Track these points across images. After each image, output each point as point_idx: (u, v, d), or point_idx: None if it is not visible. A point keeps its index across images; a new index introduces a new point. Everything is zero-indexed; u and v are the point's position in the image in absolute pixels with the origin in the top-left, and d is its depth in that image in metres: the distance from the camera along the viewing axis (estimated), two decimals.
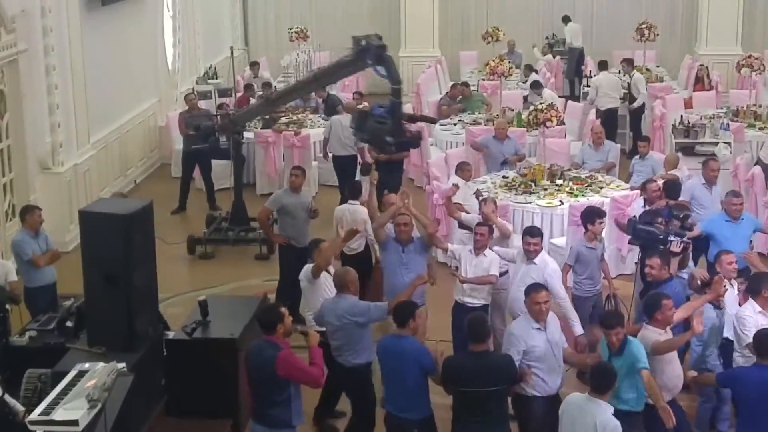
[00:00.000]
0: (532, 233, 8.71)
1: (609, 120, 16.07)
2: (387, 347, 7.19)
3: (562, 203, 11.73)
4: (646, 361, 6.85)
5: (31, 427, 6.27)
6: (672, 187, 10.17)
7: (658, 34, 19.52)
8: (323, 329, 7.83)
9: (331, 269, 8.63)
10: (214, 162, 14.40)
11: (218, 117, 13.36)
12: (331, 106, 15.72)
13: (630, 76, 16.97)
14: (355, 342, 7.73)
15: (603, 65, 17.25)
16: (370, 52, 8.68)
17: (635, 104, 16.72)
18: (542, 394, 7.21)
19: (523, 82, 18.23)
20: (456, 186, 10.66)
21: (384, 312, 7.66)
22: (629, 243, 10.05)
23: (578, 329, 8.47)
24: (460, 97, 16.55)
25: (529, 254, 8.58)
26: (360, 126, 8.90)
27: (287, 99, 13.05)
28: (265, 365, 6.57)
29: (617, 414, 6.43)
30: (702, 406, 8.13)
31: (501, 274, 8.94)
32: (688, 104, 16.75)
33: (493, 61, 17.05)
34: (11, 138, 11.92)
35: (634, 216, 9.84)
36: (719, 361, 7.97)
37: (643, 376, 6.81)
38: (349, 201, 10.82)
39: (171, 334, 8.48)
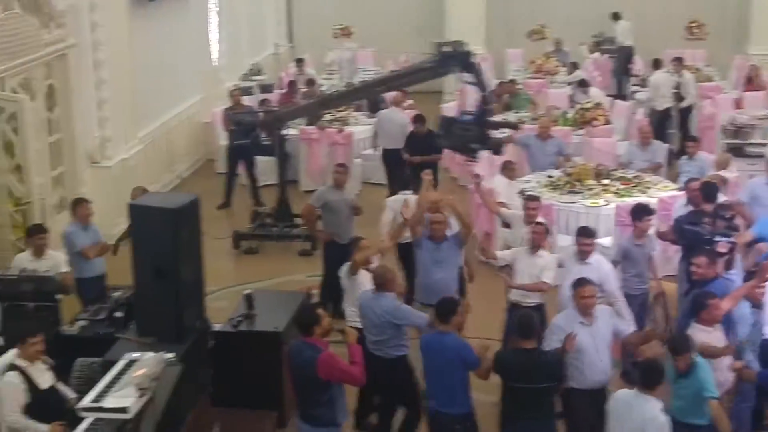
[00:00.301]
0: (587, 233, 8.66)
1: (665, 120, 15.93)
2: (429, 343, 7.20)
3: (608, 203, 11.64)
4: (714, 388, 6.73)
5: (82, 414, 6.37)
6: (709, 190, 9.88)
7: (708, 33, 19.28)
8: (360, 326, 7.82)
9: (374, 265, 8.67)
10: (259, 158, 14.49)
11: (261, 113, 13.44)
12: (375, 103, 15.75)
13: (680, 76, 16.79)
14: (396, 337, 7.75)
15: (658, 64, 17.06)
16: (457, 59, 8.62)
17: (684, 104, 16.54)
18: (580, 387, 7.21)
19: (568, 84, 18.12)
20: (478, 176, 10.43)
21: (424, 322, 7.65)
22: (674, 243, 9.95)
23: (630, 330, 8.38)
24: (506, 95, 16.48)
25: (583, 254, 8.53)
26: (446, 133, 8.92)
27: (347, 100, 13.04)
28: (306, 367, 6.59)
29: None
30: (738, 406, 8.00)
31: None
32: (738, 104, 16.54)
33: (540, 59, 16.98)
34: (61, 132, 12.08)
35: (680, 216, 9.77)
36: (757, 361, 7.85)
37: (712, 407, 6.68)
38: (401, 192, 10.82)
39: (217, 327, 8.56)
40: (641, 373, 6.50)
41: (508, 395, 6.99)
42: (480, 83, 8.56)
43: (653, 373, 6.43)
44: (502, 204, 11.46)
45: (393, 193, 11.44)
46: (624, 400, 6.46)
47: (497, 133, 14.80)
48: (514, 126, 12.23)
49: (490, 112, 8.65)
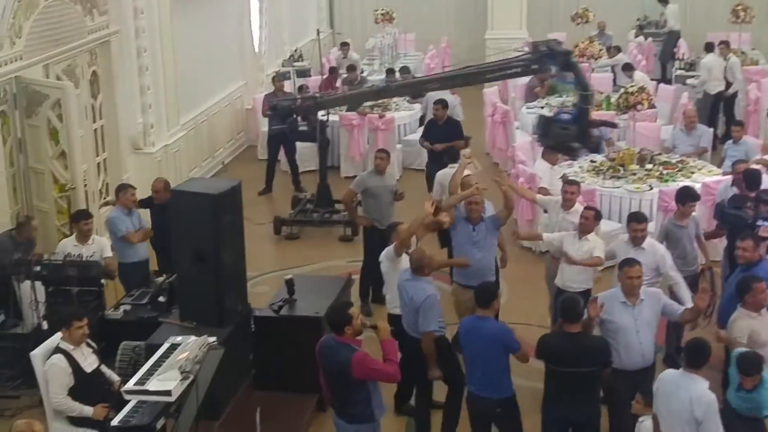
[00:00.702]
0: (638, 219, 8.57)
1: (717, 104, 15.72)
2: (469, 328, 7.18)
3: (652, 188, 11.53)
4: None
5: (126, 397, 6.46)
6: (751, 177, 9.71)
7: (753, 16, 18.96)
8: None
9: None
10: (300, 144, 14.51)
11: (300, 99, 13.42)
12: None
13: (726, 60, 16.52)
14: (430, 319, 7.71)
15: (709, 47, 16.82)
16: (557, 59, 8.51)
17: (731, 90, 16.27)
18: (617, 367, 7.15)
19: (611, 68, 17.92)
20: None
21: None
22: (717, 227, 9.83)
23: (689, 305, 8.28)
24: (553, 79, 16.29)
25: (636, 240, 8.43)
26: (545, 132, 8.84)
27: (411, 90, 12.90)
28: (340, 368, 6.52)
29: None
30: None
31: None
32: None
33: (583, 42, 16.80)
34: (104, 119, 12.19)
35: (722, 200, 9.64)
36: None
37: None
38: (450, 165, 10.98)
39: (258, 311, 8.62)
40: (687, 353, 6.44)
41: (551, 379, 6.96)
42: (581, 82, 8.41)
43: (699, 352, 6.37)
44: (544, 189, 11.42)
45: (444, 165, 11.55)
46: (670, 381, 6.42)
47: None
48: (613, 125, 12.02)
49: (589, 112, 8.49)
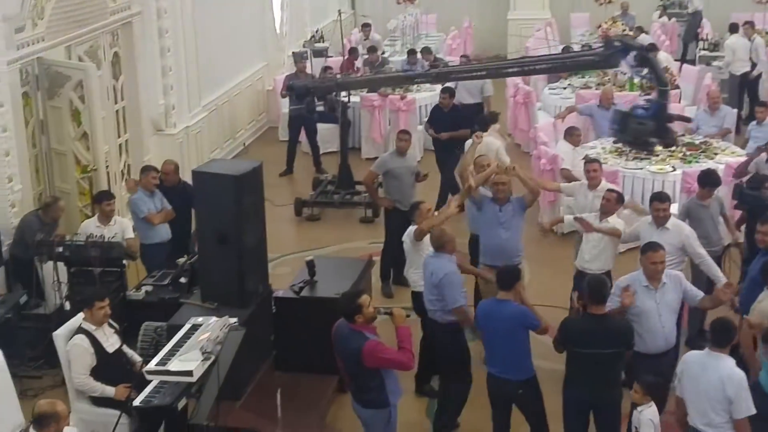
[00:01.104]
0: (661, 198, 8.50)
1: (743, 85, 15.56)
2: (488, 311, 7.15)
3: (675, 169, 11.44)
4: None
5: (147, 377, 6.49)
6: None
7: None
8: (409, 314, 7.71)
9: None
10: (321, 126, 14.49)
11: (319, 79, 13.39)
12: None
13: (751, 40, 16.32)
14: (455, 294, 7.67)
15: (734, 28, 16.62)
16: (634, 55, 8.38)
17: (755, 71, 16.09)
18: (639, 350, 7.12)
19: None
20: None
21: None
22: (735, 208, 9.75)
23: (722, 281, 8.15)
24: (620, 75, 16.05)
25: (659, 220, 8.37)
26: (622, 127, 8.75)
27: (458, 78, 12.76)
28: (353, 356, 6.52)
29: None
30: None
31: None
32: None
33: (606, 23, 16.66)
34: (126, 100, 12.22)
35: (741, 181, 9.54)
36: None
37: None
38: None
39: (279, 293, 8.63)
40: (713, 333, 6.38)
41: (573, 361, 6.92)
42: (658, 78, 8.29)
43: (725, 331, 6.33)
44: (566, 170, 11.36)
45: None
46: (696, 362, 6.37)
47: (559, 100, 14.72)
48: (687, 119, 11.90)
49: (666, 107, 8.39)
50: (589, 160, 9.83)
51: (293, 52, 16.46)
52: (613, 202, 8.72)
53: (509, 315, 6.98)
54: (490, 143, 11.50)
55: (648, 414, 6.49)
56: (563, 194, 10.59)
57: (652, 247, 7.33)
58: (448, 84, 13.20)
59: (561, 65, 10.13)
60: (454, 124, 12.39)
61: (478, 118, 13.65)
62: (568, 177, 11.40)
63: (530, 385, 7.12)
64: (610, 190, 8.98)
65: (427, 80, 12.45)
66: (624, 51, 8.32)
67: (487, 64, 11.35)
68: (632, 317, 7.14)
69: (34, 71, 10.31)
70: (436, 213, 8.83)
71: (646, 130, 8.29)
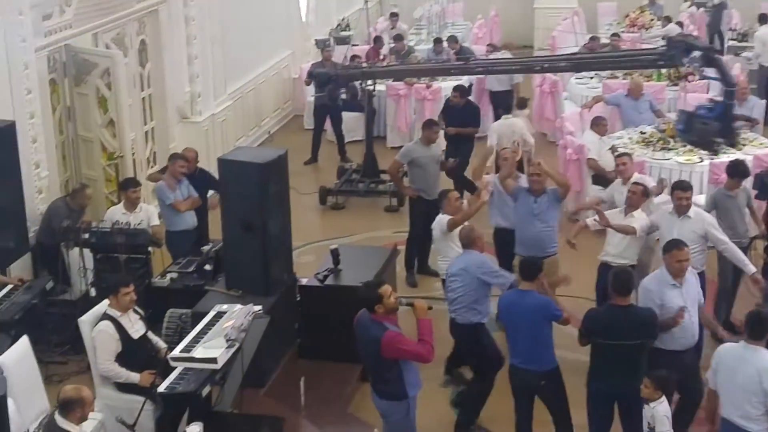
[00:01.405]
0: (684, 187, 8.43)
1: None
2: (510, 303, 7.12)
3: (702, 160, 11.33)
4: None
5: (172, 363, 6.51)
6: None
7: None
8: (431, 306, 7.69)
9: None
10: (346, 114, 14.47)
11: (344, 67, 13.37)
12: (464, 59, 15.56)
13: None
14: (471, 299, 7.68)
15: (763, 19, 16.43)
16: (700, 56, 8.27)
17: None
18: (666, 348, 7.04)
19: (662, 38, 17.58)
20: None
21: (508, 282, 7.58)
22: (756, 198, 9.65)
23: (750, 268, 8.16)
24: (606, 49, 15.93)
25: (681, 209, 8.30)
26: (687, 127, 8.71)
27: (502, 71, 12.67)
28: (371, 345, 6.49)
29: None
30: None
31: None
32: None
33: (634, 12, 16.49)
34: (152, 87, 12.26)
35: (763, 170, 9.44)
36: None
37: None
38: (504, 116, 11.50)
39: (304, 281, 8.64)
40: (749, 325, 6.33)
41: (597, 352, 6.89)
42: (725, 78, 8.21)
43: (761, 323, 6.28)
44: (592, 160, 11.29)
45: (498, 116, 12.00)
46: (733, 354, 6.33)
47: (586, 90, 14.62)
48: (753, 120, 11.83)
49: (732, 107, 8.30)
50: (619, 154, 9.77)
51: (315, 40, 16.43)
52: (639, 195, 8.64)
53: (532, 306, 6.96)
54: (513, 124, 11.80)
55: (662, 409, 6.45)
56: (587, 176, 10.47)
57: (676, 245, 7.25)
58: (460, 83, 13.19)
59: (618, 63, 9.98)
60: (463, 121, 12.31)
61: (500, 100, 13.68)
62: (595, 167, 11.33)
63: (553, 376, 7.09)
64: (635, 183, 8.91)
65: (473, 73, 12.43)
66: (687, 51, 8.18)
67: (537, 58, 11.27)
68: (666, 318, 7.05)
69: (61, 58, 10.36)
70: (464, 201, 8.81)
71: (710, 130, 8.24)
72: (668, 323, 6.91)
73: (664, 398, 6.49)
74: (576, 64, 10.14)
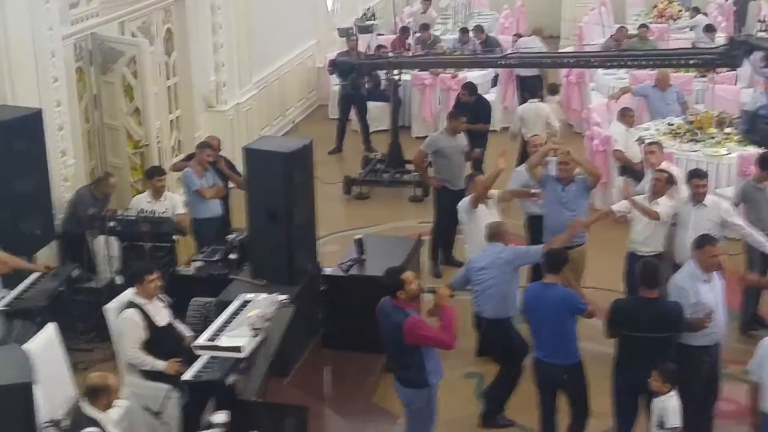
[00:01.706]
0: (700, 175, 8.44)
1: None
2: (534, 296, 7.07)
3: (730, 152, 11.22)
4: None
5: (197, 352, 6.53)
6: None
7: None
8: (453, 292, 7.64)
9: (493, 202, 8.83)
10: (371, 104, 14.45)
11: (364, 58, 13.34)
12: (490, 48, 15.51)
13: None
14: (501, 293, 7.64)
15: None
16: (763, 56, 8.14)
17: None
18: (696, 344, 6.97)
19: (690, 29, 17.44)
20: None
21: (538, 254, 7.56)
22: None
23: None
24: (634, 40, 15.82)
25: (698, 197, 8.26)
26: (751, 128, 8.63)
27: (543, 65, 12.58)
28: (393, 331, 6.48)
29: None
30: None
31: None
32: None
33: (662, 3, 16.33)
34: (178, 76, 12.28)
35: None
36: None
37: None
38: (530, 100, 11.63)
39: (328, 270, 8.63)
40: None
41: (623, 345, 6.84)
42: None
43: None
44: (619, 152, 11.21)
45: (524, 100, 12.26)
46: None
47: (613, 80, 14.50)
48: None
49: None
50: (650, 143, 9.70)
51: (338, 29, 16.38)
52: (663, 182, 8.57)
53: (556, 299, 6.90)
54: (539, 108, 11.89)
55: (673, 402, 6.39)
56: (614, 167, 10.39)
57: (709, 240, 7.15)
58: (469, 80, 13.18)
59: (673, 61, 9.84)
60: (474, 117, 12.21)
61: (528, 85, 13.62)
62: (621, 159, 11.25)
63: (576, 370, 7.03)
64: (660, 170, 8.83)
65: (506, 66, 12.35)
66: (748, 51, 8.04)
67: (584, 54, 11.12)
68: (697, 315, 6.97)
69: (87, 46, 10.38)
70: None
71: None
72: (698, 324, 6.83)
73: (673, 392, 6.43)
74: (626, 60, 9.99)
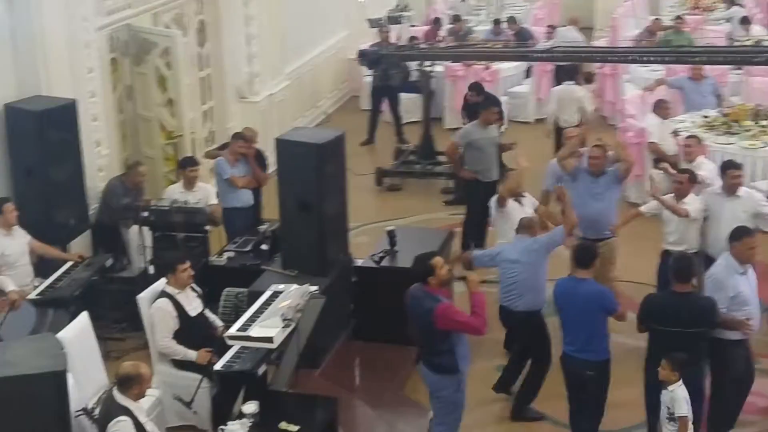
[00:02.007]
0: (736, 165, 8.37)
1: None
2: (565, 290, 6.99)
3: (766, 146, 11.09)
4: None
5: (228, 342, 6.55)
6: None
7: None
8: (485, 279, 7.63)
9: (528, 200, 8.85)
10: (403, 95, 14.41)
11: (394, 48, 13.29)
12: (523, 40, 15.41)
13: None
14: (529, 285, 7.61)
15: None
16: None
17: None
18: (734, 338, 6.90)
19: (726, 21, 17.22)
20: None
21: (562, 235, 7.58)
22: None
23: None
24: (669, 31, 15.62)
25: (732, 188, 8.18)
26: None
27: (615, 60, 12.53)
28: (424, 317, 6.47)
29: None
30: None
31: None
32: None
33: None
34: (211, 67, 12.31)
35: None
36: None
37: None
38: (565, 82, 11.85)
39: (359, 262, 8.62)
40: None
41: (655, 340, 6.77)
42: None
43: None
44: (654, 144, 11.10)
45: (559, 82, 12.55)
46: None
47: (647, 72, 14.36)
48: None
49: None
50: (688, 136, 9.61)
51: (368, 19, 16.34)
52: (687, 183, 8.48)
53: (587, 295, 6.80)
54: (574, 91, 12.05)
55: (681, 392, 6.32)
56: (649, 158, 10.30)
57: (747, 232, 7.07)
58: (476, 80, 13.20)
59: (727, 58, 9.75)
60: None
61: (565, 69, 13.56)
62: (656, 151, 11.14)
63: (601, 368, 6.92)
64: (682, 171, 8.75)
65: (554, 60, 12.34)
66: None
67: (639, 49, 10.99)
68: (741, 307, 6.87)
69: (122, 37, 10.43)
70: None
71: None
72: (734, 325, 6.76)
73: (681, 381, 6.35)
74: (678, 57, 9.87)
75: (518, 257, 7.65)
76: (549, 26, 16.17)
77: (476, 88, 12.62)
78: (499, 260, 7.82)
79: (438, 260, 6.57)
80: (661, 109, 11.43)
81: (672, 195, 8.57)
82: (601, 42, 15.93)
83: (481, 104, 11.96)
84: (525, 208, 8.75)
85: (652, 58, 11.59)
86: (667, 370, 6.34)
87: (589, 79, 13.34)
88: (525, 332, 7.83)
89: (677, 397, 6.31)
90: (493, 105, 12.05)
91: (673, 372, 6.34)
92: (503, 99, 14.74)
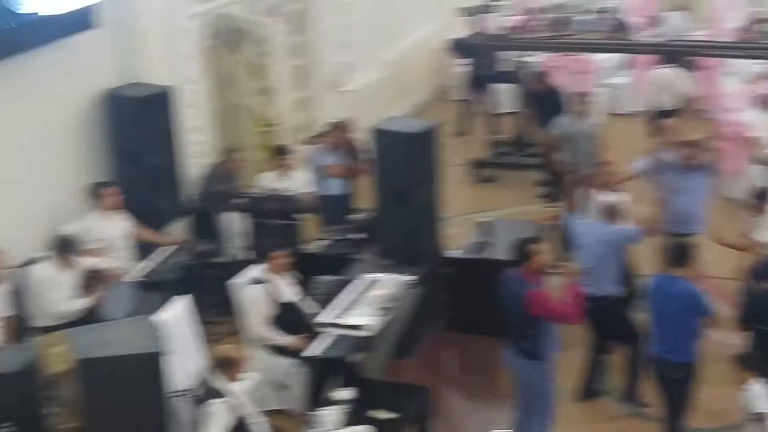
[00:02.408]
0: None
1: None
2: (657, 287, 6.81)
3: None
4: None
5: (322, 329, 6.56)
6: None
7: None
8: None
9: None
10: (498, 86, 14.25)
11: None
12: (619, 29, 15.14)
13: None
14: (603, 271, 7.44)
15: None
16: None
17: None
18: None
19: None
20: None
21: (638, 234, 7.43)
22: None
23: None
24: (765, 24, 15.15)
25: None
26: None
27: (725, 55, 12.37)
28: (516, 301, 6.42)
29: None
30: None
31: None
32: None
33: None
34: (305, 56, 12.35)
35: None
36: None
37: None
38: (666, 65, 12.15)
39: (453, 253, 8.55)
40: None
41: (758, 339, 6.57)
42: None
43: None
44: (753, 140, 10.79)
45: None
46: None
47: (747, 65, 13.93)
48: None
49: None
50: None
51: (462, 8, 16.19)
52: None
53: (679, 294, 6.58)
54: (663, 75, 12.10)
55: (758, 389, 6.12)
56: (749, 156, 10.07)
57: None
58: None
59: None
60: (547, 107, 11.84)
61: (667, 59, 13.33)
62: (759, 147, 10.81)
63: (688, 370, 6.70)
64: None
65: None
66: None
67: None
68: None
69: (218, 26, 10.53)
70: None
71: None
72: None
73: (758, 379, 6.14)
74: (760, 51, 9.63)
75: (589, 242, 7.56)
76: (647, 16, 15.76)
77: (540, 76, 12.42)
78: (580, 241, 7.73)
79: (539, 246, 6.53)
80: (765, 103, 11.09)
81: None
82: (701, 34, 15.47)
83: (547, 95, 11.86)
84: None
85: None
86: (739, 371, 6.17)
87: (689, 67, 13.02)
88: (602, 319, 7.61)
89: (754, 394, 6.12)
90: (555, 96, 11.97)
91: (743, 371, 6.17)
92: (601, 91, 14.50)
